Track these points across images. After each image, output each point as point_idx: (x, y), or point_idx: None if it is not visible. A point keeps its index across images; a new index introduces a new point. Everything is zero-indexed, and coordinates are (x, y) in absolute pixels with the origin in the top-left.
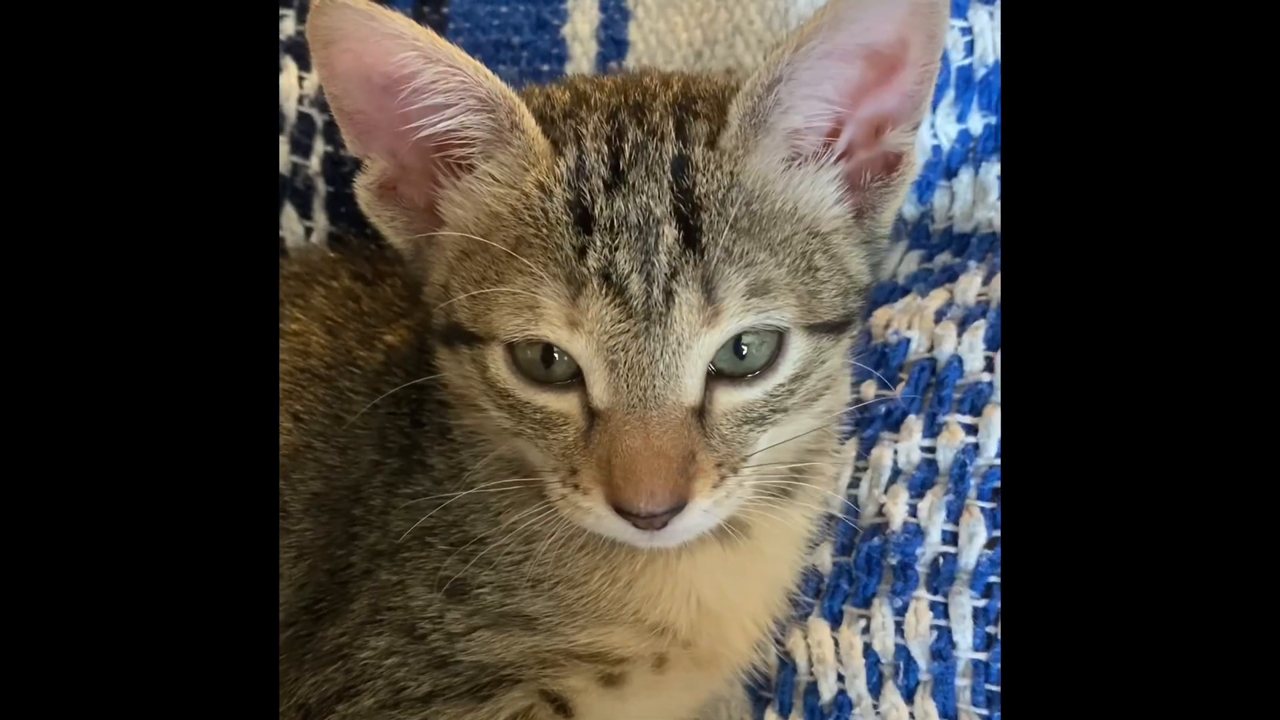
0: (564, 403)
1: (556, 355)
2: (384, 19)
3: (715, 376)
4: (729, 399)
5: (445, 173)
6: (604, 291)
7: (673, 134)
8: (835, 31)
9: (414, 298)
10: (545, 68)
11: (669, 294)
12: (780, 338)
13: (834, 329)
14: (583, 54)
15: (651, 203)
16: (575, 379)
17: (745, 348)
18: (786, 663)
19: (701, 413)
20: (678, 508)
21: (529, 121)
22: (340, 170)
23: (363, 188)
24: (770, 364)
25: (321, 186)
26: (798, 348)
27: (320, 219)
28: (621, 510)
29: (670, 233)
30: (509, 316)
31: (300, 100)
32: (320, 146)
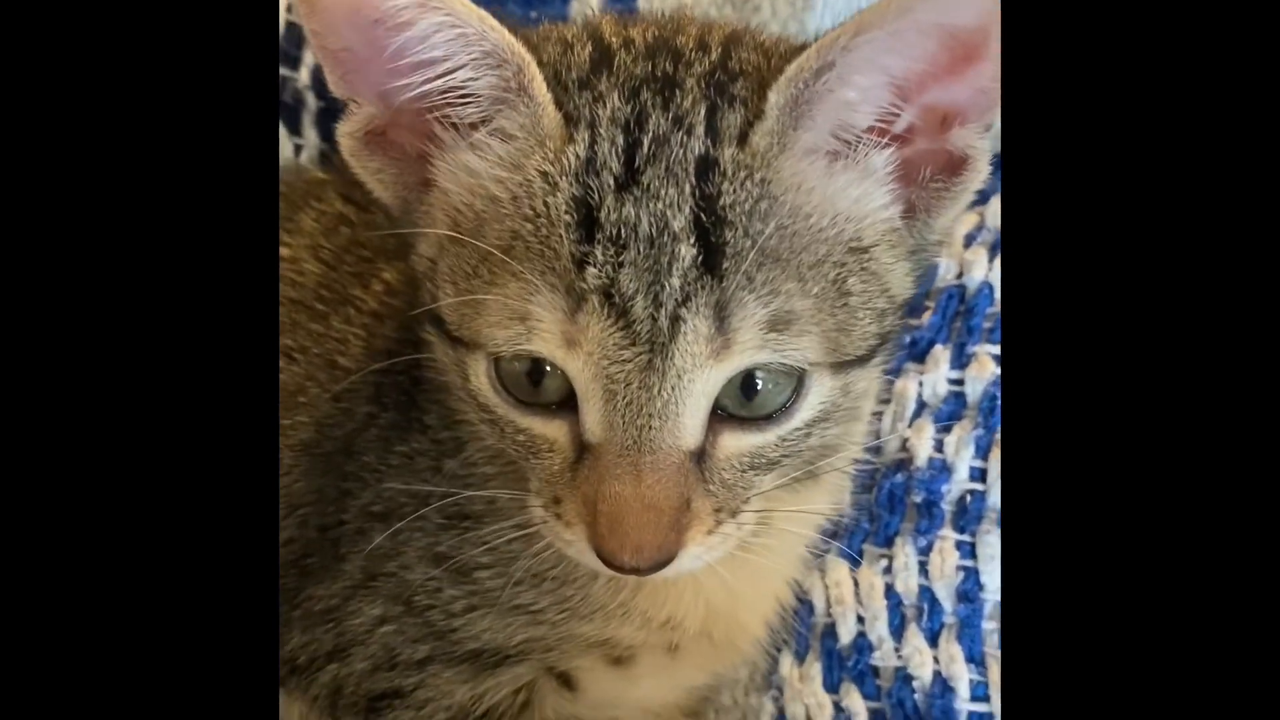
0: (551, 429)
1: (548, 370)
2: None
3: (722, 418)
4: (735, 443)
5: (444, 128)
6: (606, 312)
7: (701, 126)
8: (906, 13)
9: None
10: None
11: (676, 320)
12: (800, 378)
13: (867, 358)
14: None
15: (669, 212)
16: (565, 404)
17: (759, 384)
18: (803, 602)
19: (701, 455)
20: (666, 562)
21: (539, 86)
22: None
23: (347, 135)
24: (785, 408)
25: (311, 101)
26: (820, 390)
27: (310, 136)
28: (604, 559)
29: (687, 252)
30: (498, 326)
31: (288, 8)
32: (310, 58)
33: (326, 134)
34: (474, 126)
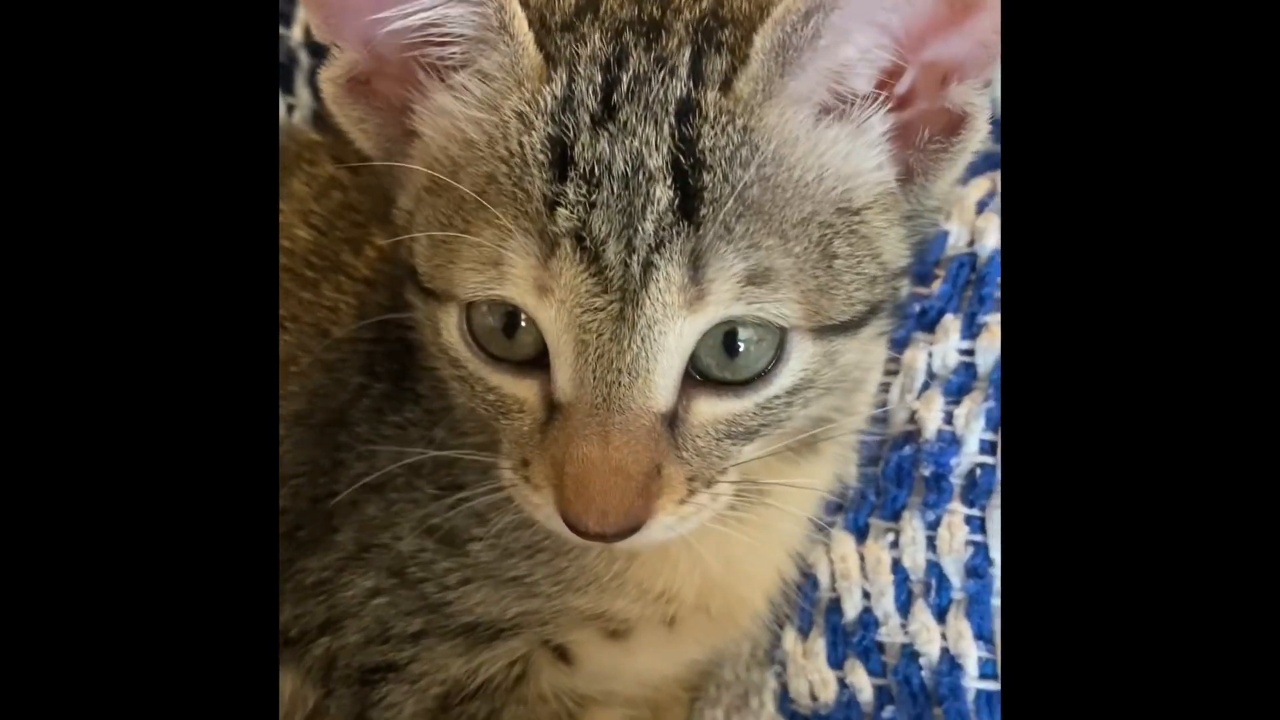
0: (522, 388)
1: (523, 323)
2: None
3: (698, 383)
4: (710, 409)
5: (426, 73)
6: (577, 257)
7: (685, 69)
8: None
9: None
10: None
11: (648, 266)
12: (781, 341)
13: (853, 326)
14: None
15: (645, 150)
16: (537, 361)
17: (741, 345)
18: (807, 576)
19: (674, 420)
20: (633, 529)
21: (520, 24)
22: None
23: (329, 80)
24: (764, 374)
25: (305, 59)
26: (801, 355)
27: (303, 95)
28: (569, 524)
29: (663, 194)
30: (470, 272)
31: None
32: (303, 14)
33: (320, 94)
34: (455, 70)
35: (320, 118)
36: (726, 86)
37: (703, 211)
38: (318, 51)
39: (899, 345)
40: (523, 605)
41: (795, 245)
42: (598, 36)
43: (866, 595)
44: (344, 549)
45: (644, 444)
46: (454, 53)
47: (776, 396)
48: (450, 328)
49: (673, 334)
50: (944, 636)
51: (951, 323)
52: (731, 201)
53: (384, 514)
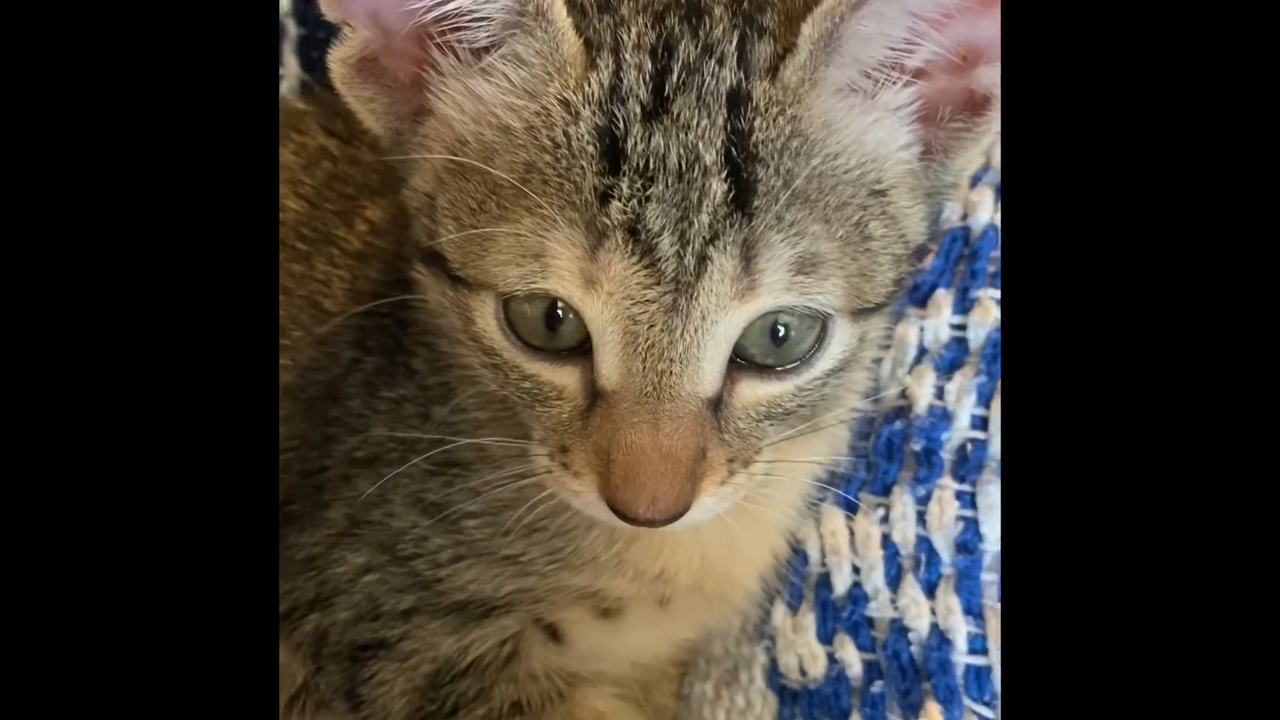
0: (561, 376)
1: (562, 314)
2: None
3: (740, 366)
4: (752, 392)
5: (444, 53)
6: (629, 249)
7: (733, 57)
8: None
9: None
10: None
11: (703, 259)
12: (824, 325)
13: (882, 306)
14: None
15: (700, 144)
16: (579, 349)
17: (782, 329)
18: (798, 552)
19: (718, 403)
20: (681, 513)
21: (558, 10)
22: (314, 9)
23: (339, 61)
24: (806, 357)
25: (293, 28)
26: (841, 338)
27: (291, 64)
28: (616, 511)
29: (718, 188)
30: (509, 265)
31: None
32: None
33: (307, 63)
34: (481, 52)
35: (308, 87)
36: (773, 75)
37: (756, 203)
38: (305, 20)
39: (891, 320)
40: (516, 584)
41: (838, 229)
42: (641, 20)
43: (856, 570)
44: (335, 525)
45: (692, 429)
46: (483, 36)
47: (815, 378)
48: (486, 317)
49: (724, 323)
50: (933, 612)
51: (944, 297)
52: (784, 193)
53: (377, 489)
